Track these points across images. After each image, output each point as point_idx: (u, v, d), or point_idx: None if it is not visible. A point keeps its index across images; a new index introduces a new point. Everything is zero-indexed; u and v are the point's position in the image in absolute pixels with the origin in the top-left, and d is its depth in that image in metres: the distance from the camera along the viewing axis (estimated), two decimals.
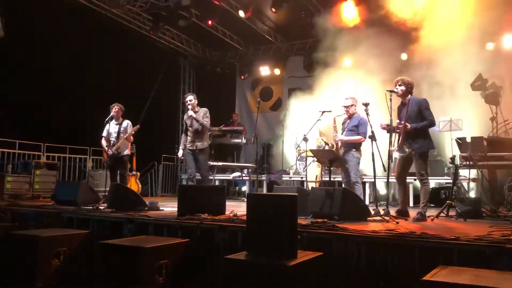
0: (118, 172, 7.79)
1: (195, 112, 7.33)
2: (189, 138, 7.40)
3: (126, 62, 10.65)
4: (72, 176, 10.67)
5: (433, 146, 5.92)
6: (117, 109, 7.79)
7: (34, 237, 4.76)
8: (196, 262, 4.59)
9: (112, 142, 7.70)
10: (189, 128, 7.41)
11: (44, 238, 4.71)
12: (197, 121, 7.29)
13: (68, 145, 10.61)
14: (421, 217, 5.47)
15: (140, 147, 9.24)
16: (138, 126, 7.94)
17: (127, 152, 7.86)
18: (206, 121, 7.34)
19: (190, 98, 7.43)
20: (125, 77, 10.71)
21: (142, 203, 6.46)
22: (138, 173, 10.07)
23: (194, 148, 7.30)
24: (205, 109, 7.46)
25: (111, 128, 7.79)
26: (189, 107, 7.36)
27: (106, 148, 7.69)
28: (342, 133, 6.71)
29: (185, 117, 7.65)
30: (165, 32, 12.07)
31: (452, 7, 8.40)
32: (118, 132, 7.74)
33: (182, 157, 7.88)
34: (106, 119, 7.70)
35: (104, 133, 7.80)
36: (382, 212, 5.47)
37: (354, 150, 6.56)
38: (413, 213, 5.80)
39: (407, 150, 5.66)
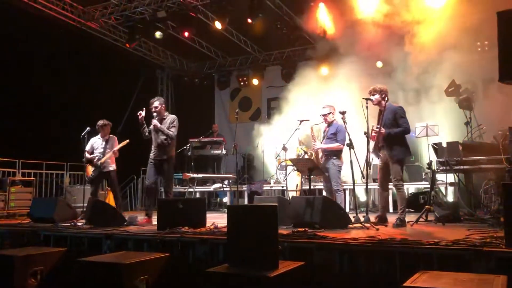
0: (112, 190, 7.74)
1: (163, 119, 6.66)
2: (152, 147, 6.72)
3: (102, 75, 10.54)
4: (49, 193, 10.47)
5: (410, 154, 6.05)
6: (107, 128, 7.68)
7: (9, 257, 4.62)
8: (177, 276, 4.53)
9: (97, 157, 7.55)
10: (153, 136, 6.68)
11: (19, 258, 4.57)
12: (162, 132, 6.57)
13: (44, 161, 10.41)
14: (401, 223, 5.54)
15: (118, 160, 9.10)
16: (127, 140, 7.64)
17: (113, 167, 7.68)
18: (172, 131, 6.61)
19: (156, 105, 6.62)
20: (102, 90, 10.60)
21: (121, 218, 6.36)
22: None
23: (158, 158, 6.65)
24: (173, 116, 6.77)
25: (96, 143, 7.68)
26: (154, 114, 6.58)
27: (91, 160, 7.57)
28: (322, 141, 6.76)
29: (151, 126, 6.72)
30: (141, 44, 12.00)
31: (428, 15, 8.58)
32: (105, 147, 7.60)
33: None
34: (83, 134, 7.59)
35: (88, 148, 7.67)
36: (362, 218, 5.50)
37: (334, 158, 6.59)
38: (392, 218, 5.85)
39: (380, 154, 5.76)
